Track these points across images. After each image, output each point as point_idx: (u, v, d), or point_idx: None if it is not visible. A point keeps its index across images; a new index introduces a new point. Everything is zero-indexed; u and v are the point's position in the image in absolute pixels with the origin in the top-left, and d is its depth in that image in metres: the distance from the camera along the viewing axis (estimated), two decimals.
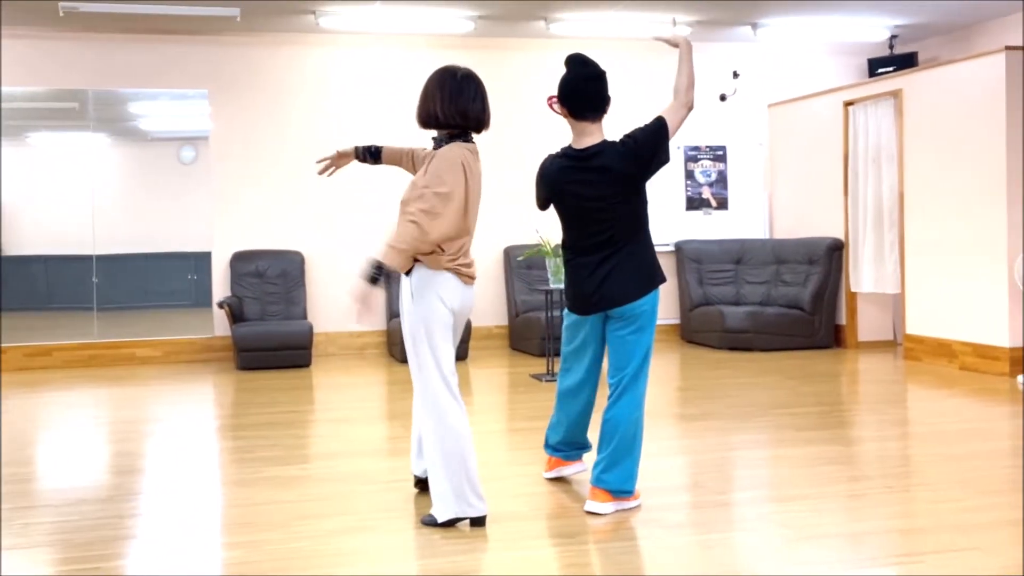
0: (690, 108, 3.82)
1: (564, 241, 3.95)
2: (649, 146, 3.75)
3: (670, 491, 4.15)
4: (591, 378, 4.03)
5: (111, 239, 8.64)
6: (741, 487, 4.28)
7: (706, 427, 5.45)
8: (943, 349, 7.57)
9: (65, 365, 8.40)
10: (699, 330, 9.03)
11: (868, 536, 3.51)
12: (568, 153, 3.86)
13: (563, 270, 4.18)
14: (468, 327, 8.30)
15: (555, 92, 3.84)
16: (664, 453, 4.84)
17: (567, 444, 4.23)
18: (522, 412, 6.11)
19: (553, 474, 4.30)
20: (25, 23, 8.05)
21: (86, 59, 8.46)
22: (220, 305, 8.37)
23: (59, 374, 8.01)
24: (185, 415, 6.22)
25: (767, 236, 9.73)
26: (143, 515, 3.93)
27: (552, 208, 3.98)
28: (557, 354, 7.62)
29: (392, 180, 7.71)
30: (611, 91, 3.84)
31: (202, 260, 8.76)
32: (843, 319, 8.81)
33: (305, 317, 8.57)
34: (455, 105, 3.59)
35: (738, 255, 9.37)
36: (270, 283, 8.61)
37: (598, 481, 3.82)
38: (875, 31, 8.95)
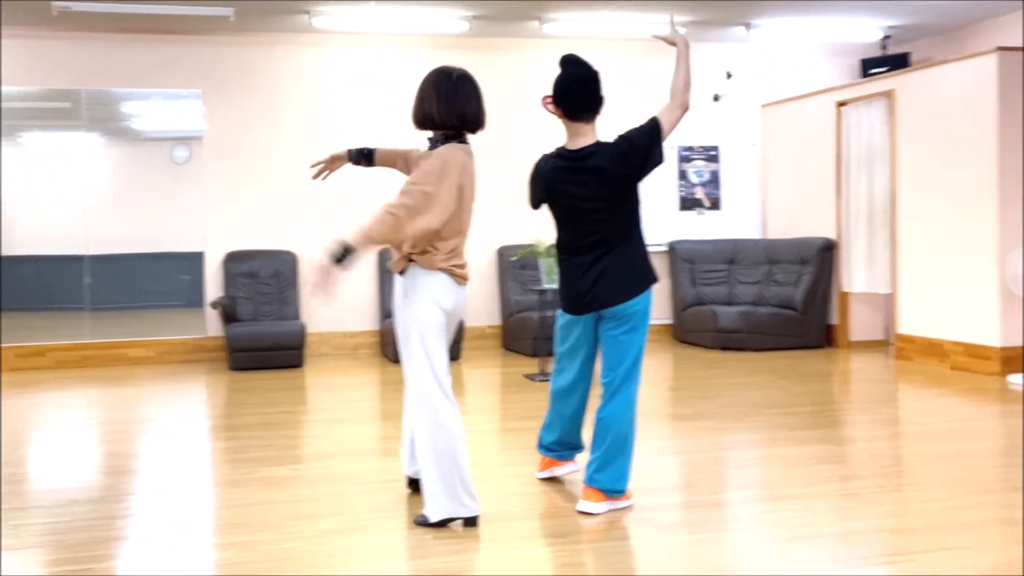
0: (686, 109, 3.83)
1: (558, 241, 3.97)
2: (643, 147, 3.76)
3: (663, 491, 4.16)
4: (584, 378, 4.04)
5: (104, 239, 8.62)
6: (733, 487, 4.29)
7: (699, 427, 5.46)
8: (934, 349, 7.59)
9: (58, 365, 8.38)
10: (692, 330, 9.05)
11: (860, 535, 3.53)
12: (562, 154, 3.87)
13: (556, 270, 4.19)
14: (461, 327, 8.31)
15: (550, 92, 3.85)
16: (657, 453, 4.85)
17: (561, 444, 4.23)
18: (515, 412, 6.12)
19: (546, 474, 4.31)
20: (18, 23, 8.03)
21: (79, 58, 8.44)
22: (213, 305, 8.36)
23: (52, 374, 7.99)
24: (178, 415, 6.21)
25: (760, 236, 9.74)
26: (135, 516, 3.93)
27: (544, 208, 3.99)
28: (550, 354, 7.63)
29: (385, 181, 7.70)
30: (605, 92, 3.85)
31: (195, 260, 8.75)
32: (835, 319, 8.84)
33: (298, 317, 8.57)
34: (452, 106, 3.60)
35: (731, 255, 9.39)
36: (263, 283, 8.60)
37: (591, 481, 3.82)
38: (868, 31, 8.97)
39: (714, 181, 9.66)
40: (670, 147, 9.35)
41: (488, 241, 9.08)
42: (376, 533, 3.64)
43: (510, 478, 4.38)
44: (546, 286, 7.10)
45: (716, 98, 9.58)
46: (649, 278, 3.85)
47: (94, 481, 4.51)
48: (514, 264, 8.98)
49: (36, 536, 3.66)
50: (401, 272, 3.63)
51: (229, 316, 8.28)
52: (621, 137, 3.80)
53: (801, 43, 9.49)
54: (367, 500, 4.06)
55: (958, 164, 7.33)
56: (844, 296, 8.79)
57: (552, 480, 4.30)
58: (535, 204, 4.03)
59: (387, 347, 8.30)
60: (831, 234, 8.83)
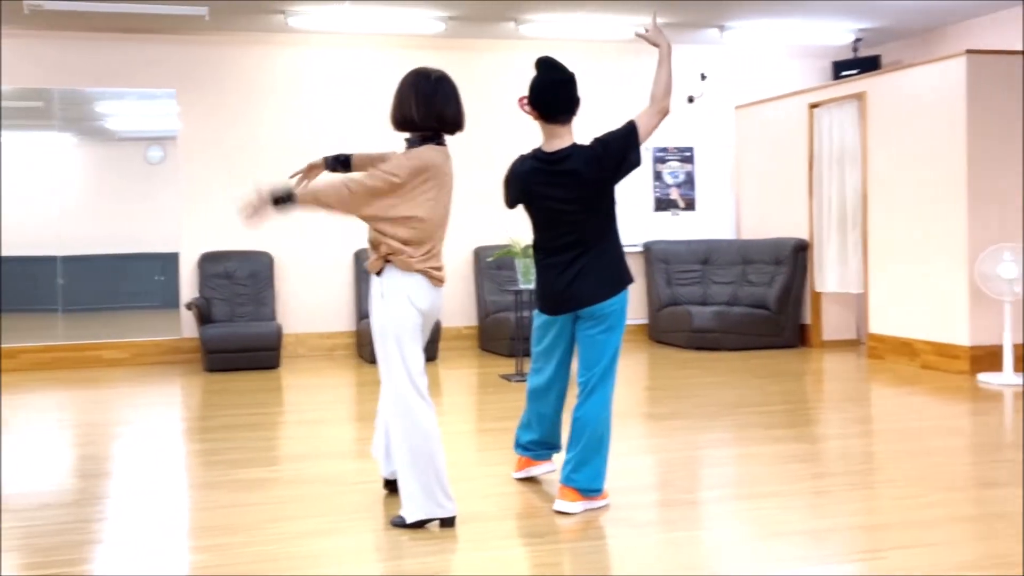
0: (665, 114, 3.86)
1: (535, 242, 3.99)
2: (618, 151, 3.79)
3: (639, 490, 4.19)
4: (560, 377, 4.07)
5: (77, 239, 8.55)
6: (708, 485, 4.33)
7: (674, 426, 5.50)
8: (905, 348, 7.69)
9: (30, 367, 8.30)
10: (667, 330, 9.10)
11: (833, 532, 3.57)
12: (538, 156, 3.89)
13: (533, 271, 4.21)
14: (437, 328, 8.31)
15: (526, 93, 3.87)
16: (632, 452, 4.88)
17: (538, 444, 4.25)
18: (491, 413, 6.13)
19: (522, 474, 4.32)
20: None
21: (51, 57, 8.36)
22: (188, 306, 8.31)
23: (23, 376, 7.91)
24: (152, 417, 6.17)
25: (734, 237, 9.82)
26: (110, 519, 3.90)
27: (521, 208, 4.01)
28: (527, 354, 7.65)
29: None
30: (581, 93, 3.87)
31: (170, 261, 8.69)
32: (808, 318, 8.92)
33: (274, 318, 8.54)
34: (430, 107, 3.61)
35: (705, 255, 9.45)
36: (239, 284, 8.56)
37: (568, 480, 3.85)
38: (839, 34, 9.07)
39: (689, 182, 9.72)
40: (645, 148, 9.39)
41: (464, 242, 9.09)
42: (353, 534, 3.64)
43: (487, 478, 4.39)
44: (522, 287, 7.12)
45: (690, 99, 9.64)
46: (625, 278, 3.88)
47: (68, 484, 4.48)
48: (490, 265, 8.99)
49: (9, 540, 3.63)
50: (378, 273, 3.64)
51: (204, 317, 8.23)
52: (597, 140, 3.83)
53: (774, 45, 9.57)
54: (343, 501, 4.06)
55: (928, 165, 7.43)
56: (817, 296, 8.87)
57: (529, 480, 4.32)
58: (511, 204, 4.05)
59: (363, 348, 8.28)
60: (804, 234, 8.91)
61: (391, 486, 4.04)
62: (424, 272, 3.60)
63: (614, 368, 3.88)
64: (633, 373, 7.52)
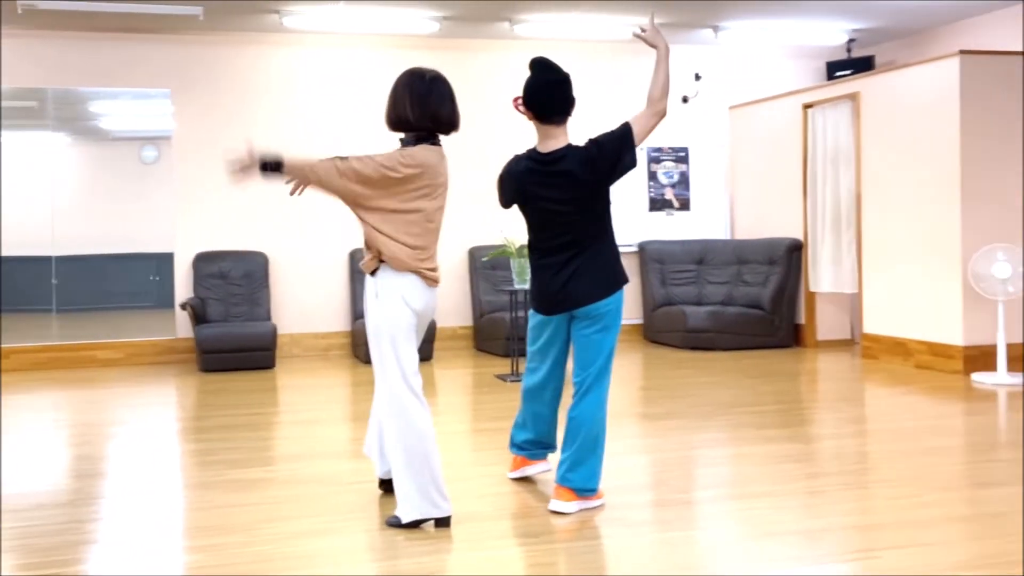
0: (662, 116, 3.86)
1: (530, 242, 3.99)
2: (612, 152, 3.79)
3: (634, 490, 4.20)
4: (556, 377, 4.07)
5: (72, 239, 8.54)
6: (703, 485, 4.34)
7: (669, 426, 5.51)
8: (899, 348, 7.71)
9: (24, 368, 8.29)
10: (662, 330, 9.12)
11: (827, 532, 3.58)
12: (533, 156, 3.89)
13: (528, 270, 4.22)
14: (432, 327, 8.31)
15: (520, 93, 3.87)
16: (627, 452, 4.89)
17: (533, 443, 4.26)
18: (487, 413, 6.14)
19: (518, 474, 4.33)
20: None
21: (45, 57, 8.35)
22: (183, 306, 8.31)
23: (18, 376, 7.89)
24: (147, 418, 6.17)
25: (728, 237, 9.83)
26: (105, 519, 3.90)
27: (515, 208, 4.02)
28: (522, 354, 7.66)
29: None
30: (575, 93, 3.88)
31: (164, 261, 8.68)
32: (802, 318, 8.94)
33: (269, 318, 8.53)
34: (425, 107, 3.61)
35: (700, 255, 9.47)
36: (233, 284, 8.55)
37: (563, 480, 3.85)
38: (833, 35, 9.09)
39: (683, 182, 9.74)
40: (640, 148, 9.41)
41: (459, 242, 9.10)
42: (348, 534, 3.64)
43: (482, 478, 4.40)
44: (517, 287, 7.12)
45: (685, 100, 9.65)
46: (620, 278, 3.89)
47: (63, 484, 4.47)
48: (485, 264, 9.00)
49: (6, 540, 3.63)
50: (372, 273, 3.64)
51: (199, 317, 8.22)
52: (592, 141, 3.83)
53: (768, 46, 9.59)
54: (339, 501, 4.07)
55: (921, 165, 7.45)
56: (811, 296, 8.89)
57: (524, 480, 4.33)
58: (506, 204, 4.05)
59: (358, 348, 8.28)
60: (798, 234, 8.93)
61: (386, 486, 4.04)
62: (418, 272, 3.61)
63: (609, 368, 3.89)
64: (628, 373, 7.53)
